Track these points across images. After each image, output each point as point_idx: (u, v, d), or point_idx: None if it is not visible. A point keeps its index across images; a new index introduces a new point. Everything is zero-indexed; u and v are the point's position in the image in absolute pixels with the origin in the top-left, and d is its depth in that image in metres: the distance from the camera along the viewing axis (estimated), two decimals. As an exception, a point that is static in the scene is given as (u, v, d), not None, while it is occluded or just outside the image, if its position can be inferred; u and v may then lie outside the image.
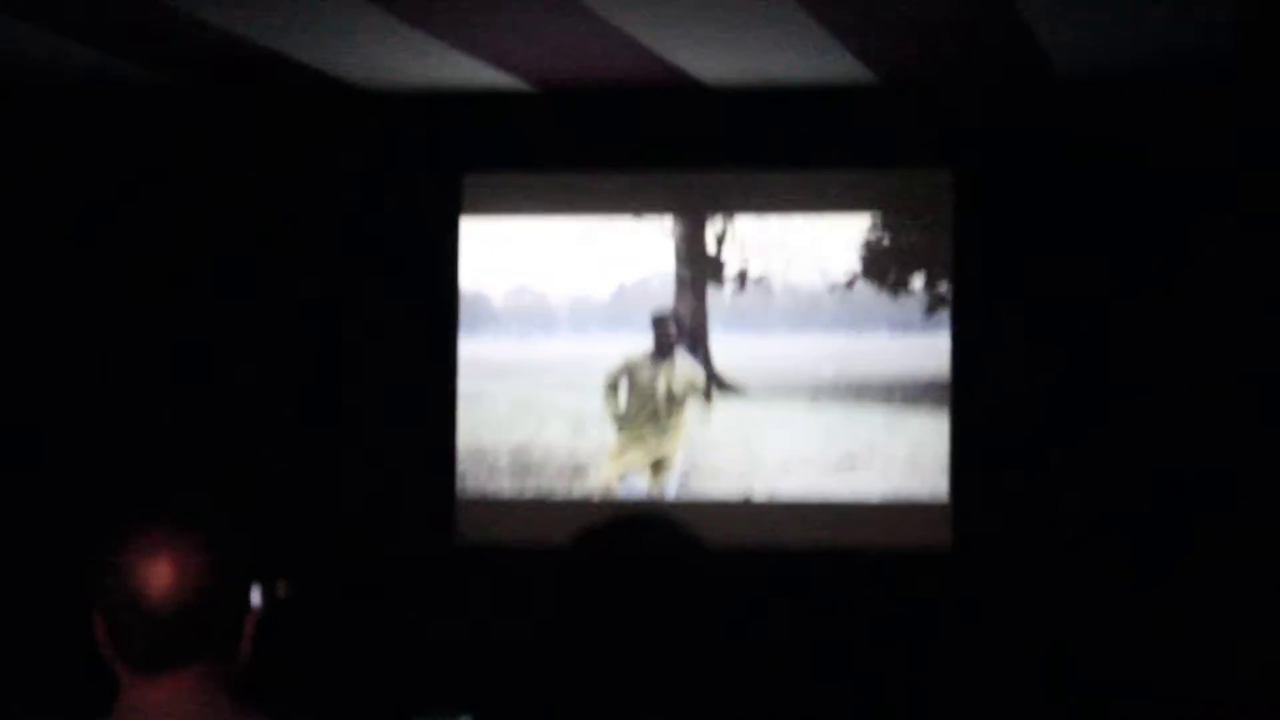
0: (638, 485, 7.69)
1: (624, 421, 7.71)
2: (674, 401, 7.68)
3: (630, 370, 7.72)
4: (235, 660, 2.57)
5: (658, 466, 7.69)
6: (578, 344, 7.80)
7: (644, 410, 7.70)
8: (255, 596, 2.60)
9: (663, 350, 7.69)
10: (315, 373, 7.67)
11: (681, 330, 7.71)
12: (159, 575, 2.51)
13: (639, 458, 7.70)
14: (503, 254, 7.81)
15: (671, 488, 7.65)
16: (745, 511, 7.58)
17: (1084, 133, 7.32)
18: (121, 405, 7.59)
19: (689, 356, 7.69)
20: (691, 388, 7.68)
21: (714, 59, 6.99)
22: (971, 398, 7.38)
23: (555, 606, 2.38)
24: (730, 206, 7.68)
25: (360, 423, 7.69)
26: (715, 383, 7.66)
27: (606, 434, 7.74)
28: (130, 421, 7.55)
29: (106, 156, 7.81)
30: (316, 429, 7.67)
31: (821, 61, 6.96)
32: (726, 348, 7.69)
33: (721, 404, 7.67)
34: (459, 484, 7.73)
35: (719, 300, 7.70)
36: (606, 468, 7.72)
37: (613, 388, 7.74)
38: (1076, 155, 7.32)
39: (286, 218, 7.72)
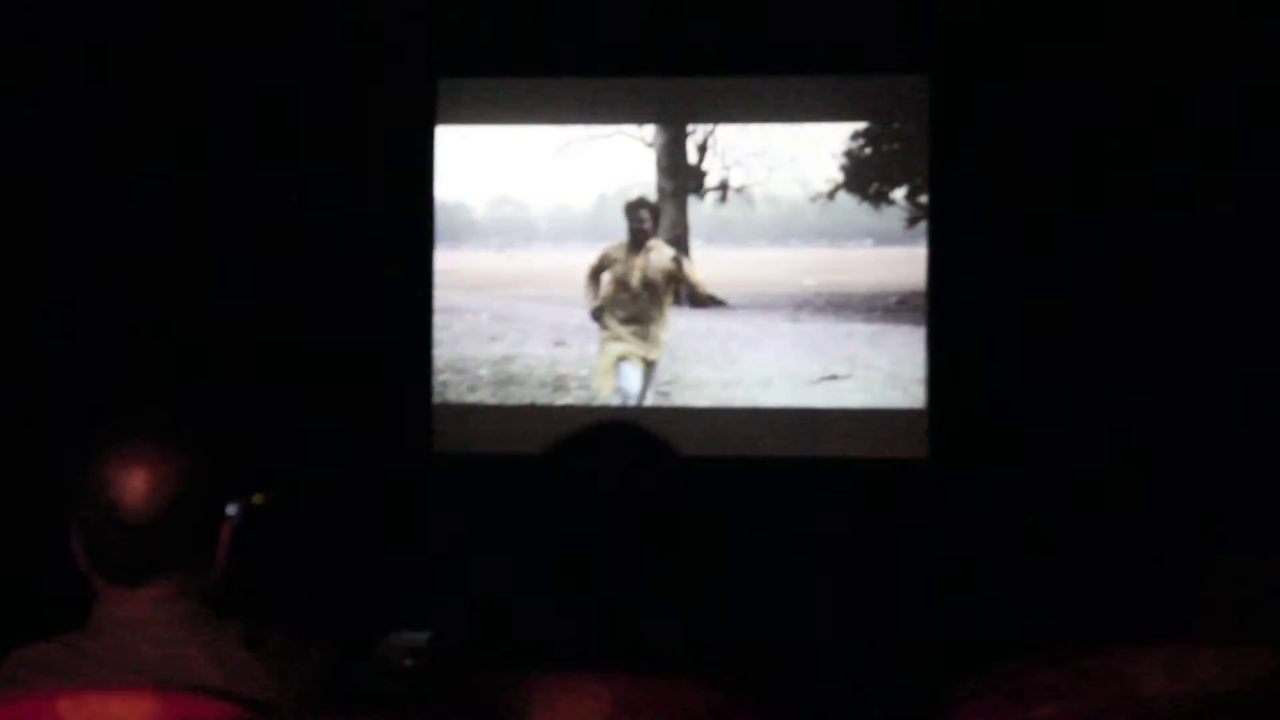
0: (625, 387, 7.69)
1: (603, 311, 7.70)
2: (654, 293, 7.67)
3: (608, 260, 7.70)
4: (211, 570, 2.58)
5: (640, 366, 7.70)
6: (558, 255, 7.79)
7: (623, 301, 7.69)
8: (231, 507, 2.60)
9: (638, 239, 7.67)
10: (289, 282, 7.62)
11: (656, 221, 7.68)
12: (135, 486, 2.52)
13: (621, 355, 7.71)
14: (481, 163, 7.77)
15: (649, 396, 7.66)
16: (723, 420, 7.59)
17: (1065, 38, 7.27)
18: (88, 314, 7.55)
19: (663, 246, 7.67)
20: (669, 277, 7.66)
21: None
22: (948, 308, 7.38)
23: (529, 514, 2.38)
24: (710, 114, 7.65)
25: (336, 331, 7.65)
26: (695, 293, 7.65)
27: (589, 347, 7.74)
28: (100, 331, 7.51)
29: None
30: (290, 338, 7.63)
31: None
32: (708, 260, 7.68)
33: (702, 317, 7.66)
34: (438, 396, 7.72)
35: (699, 211, 7.68)
36: (593, 376, 7.73)
37: (594, 277, 7.72)
38: (1058, 62, 7.27)
39: (255, 123, 7.63)
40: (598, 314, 7.73)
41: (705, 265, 7.66)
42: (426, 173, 7.69)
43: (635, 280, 7.69)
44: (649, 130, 7.66)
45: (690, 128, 7.67)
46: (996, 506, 7.19)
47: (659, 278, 7.66)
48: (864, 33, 7.40)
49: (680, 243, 7.66)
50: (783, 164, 7.63)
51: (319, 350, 7.63)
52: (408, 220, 7.70)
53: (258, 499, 2.56)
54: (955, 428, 7.35)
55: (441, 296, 7.75)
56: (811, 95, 7.58)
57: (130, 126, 7.52)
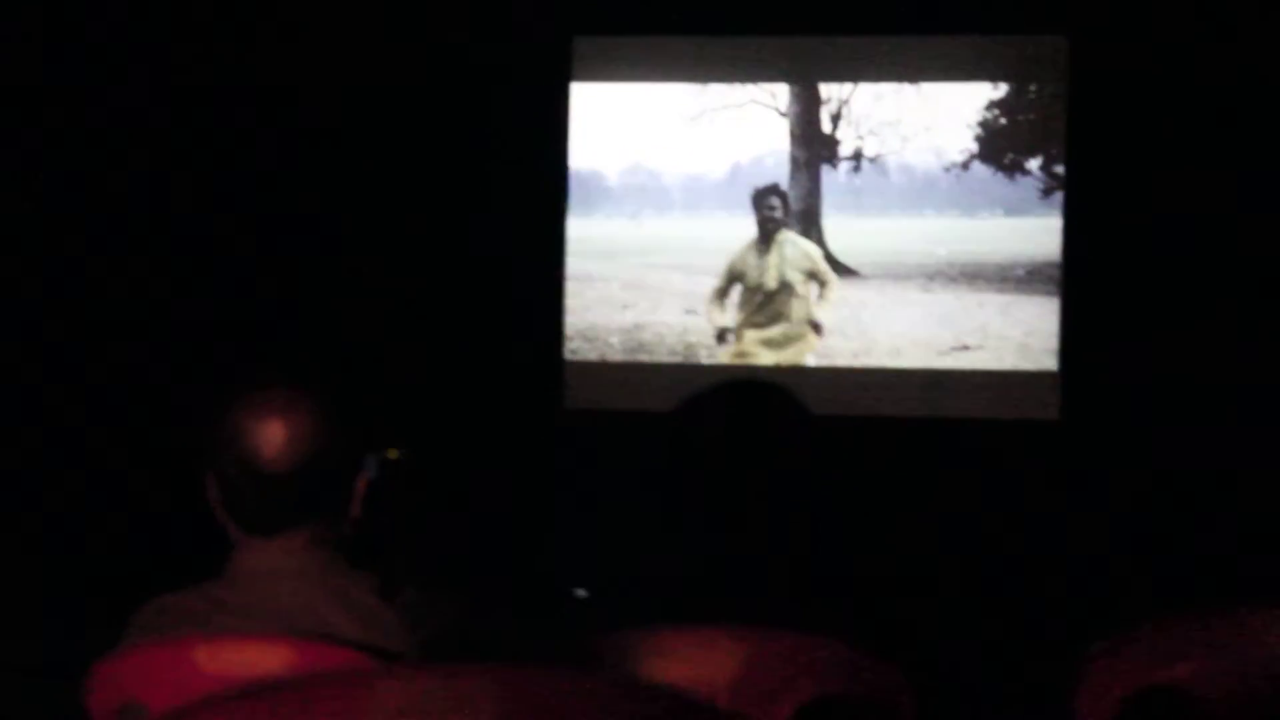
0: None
1: (740, 329, 7.68)
2: (788, 290, 7.64)
3: (736, 272, 7.67)
4: (346, 522, 2.60)
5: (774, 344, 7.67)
6: (691, 224, 7.78)
7: (761, 305, 7.66)
8: (367, 460, 2.62)
9: (768, 230, 7.64)
10: (425, 243, 7.67)
11: (788, 207, 7.66)
12: (273, 436, 2.54)
13: (758, 343, 7.69)
14: (615, 129, 7.78)
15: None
16: (852, 380, 7.53)
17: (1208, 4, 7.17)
18: (230, 277, 7.63)
19: (798, 239, 7.64)
20: (805, 273, 7.63)
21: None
22: (1083, 276, 7.30)
23: (666, 470, 2.39)
24: (846, 75, 7.59)
25: (471, 292, 7.68)
26: (830, 264, 7.62)
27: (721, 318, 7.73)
28: (240, 291, 7.59)
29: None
30: (426, 297, 7.67)
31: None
32: (840, 229, 7.65)
33: (836, 286, 7.62)
34: (568, 358, 7.74)
35: (833, 181, 7.65)
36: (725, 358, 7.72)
37: (720, 296, 7.69)
38: (1200, 27, 7.16)
39: (391, 85, 7.67)
40: (727, 334, 7.69)
41: (837, 235, 7.63)
42: (562, 134, 7.70)
43: (771, 281, 7.65)
44: (783, 99, 7.63)
45: (825, 95, 7.63)
46: (1127, 470, 7.13)
47: (797, 277, 7.62)
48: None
49: (813, 213, 7.62)
50: (917, 133, 7.57)
51: (452, 311, 7.68)
52: (542, 183, 7.72)
53: (393, 454, 2.58)
54: (1087, 394, 7.28)
55: (574, 264, 7.77)
56: (946, 55, 7.52)
57: (263, 91, 7.59)
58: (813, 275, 7.61)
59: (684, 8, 7.60)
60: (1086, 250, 7.31)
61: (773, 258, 7.63)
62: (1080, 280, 7.33)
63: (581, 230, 7.78)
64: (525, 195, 7.68)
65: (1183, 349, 7.15)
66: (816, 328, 7.57)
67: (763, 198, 7.68)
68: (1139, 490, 7.07)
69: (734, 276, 7.66)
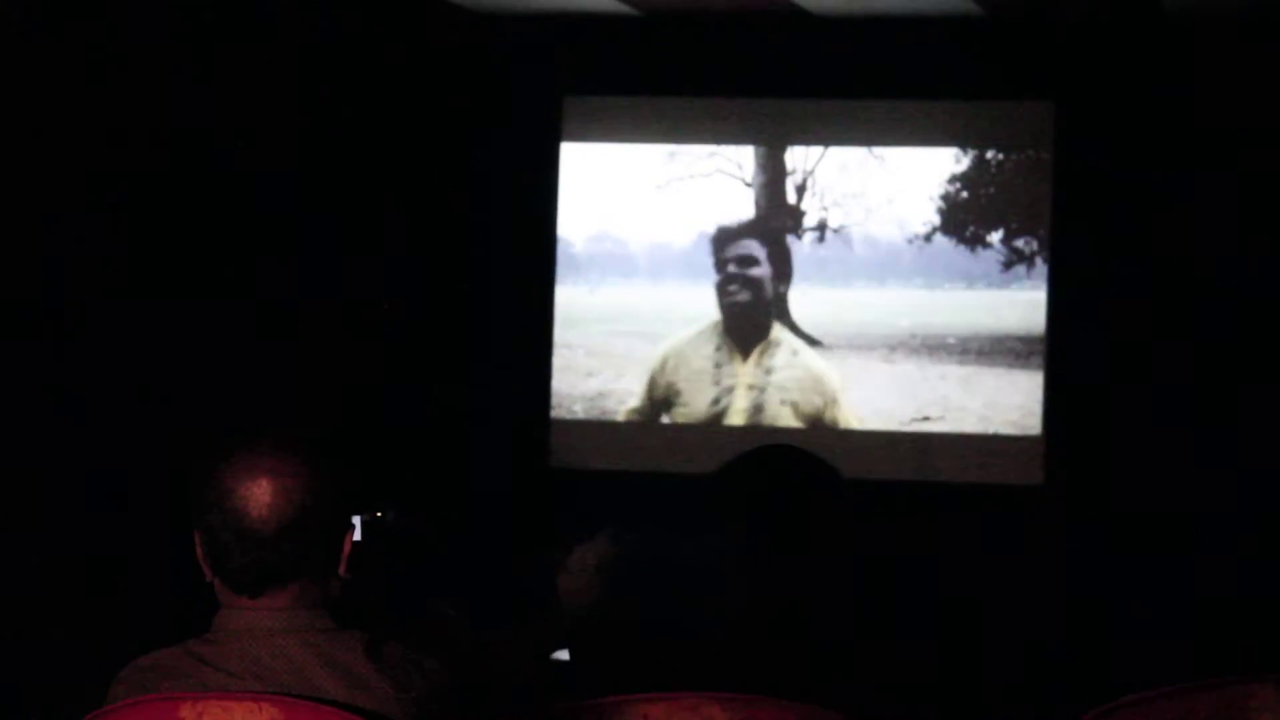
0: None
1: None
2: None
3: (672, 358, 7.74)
4: (333, 581, 2.60)
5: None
6: (657, 291, 7.80)
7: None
8: (354, 519, 2.62)
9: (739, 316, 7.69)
10: (412, 298, 7.67)
11: (760, 290, 7.69)
12: (260, 494, 2.53)
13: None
14: (581, 196, 7.80)
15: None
16: (828, 441, 7.51)
17: (1189, 71, 7.20)
18: (217, 329, 7.61)
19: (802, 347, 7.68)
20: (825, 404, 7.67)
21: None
22: (1067, 344, 7.33)
23: (716, 530, 2.40)
24: (826, 138, 7.64)
25: (456, 347, 7.66)
26: (796, 333, 7.64)
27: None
28: (227, 344, 7.57)
29: (196, 69, 7.74)
30: (413, 351, 7.66)
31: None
32: (804, 299, 7.68)
33: (802, 352, 7.64)
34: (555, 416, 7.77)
35: (798, 251, 7.68)
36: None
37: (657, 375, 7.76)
38: (1181, 94, 7.19)
39: (384, 138, 7.68)
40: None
41: (800, 305, 7.66)
42: (551, 188, 7.74)
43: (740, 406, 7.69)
44: (749, 169, 7.67)
45: (790, 165, 7.66)
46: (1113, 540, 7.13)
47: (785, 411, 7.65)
48: (985, 60, 7.37)
49: (780, 282, 7.65)
50: (881, 205, 7.62)
51: (436, 372, 7.66)
52: (530, 237, 7.74)
53: (380, 513, 2.58)
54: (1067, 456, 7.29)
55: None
56: (928, 119, 7.55)
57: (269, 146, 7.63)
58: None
59: (656, 70, 7.64)
60: (1068, 317, 7.33)
61: (749, 370, 7.70)
62: (1064, 348, 7.35)
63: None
64: (517, 245, 7.71)
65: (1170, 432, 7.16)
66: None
67: (738, 264, 7.76)
68: (1116, 559, 7.09)
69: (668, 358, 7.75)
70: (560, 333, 7.79)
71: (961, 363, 7.58)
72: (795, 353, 7.63)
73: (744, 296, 7.74)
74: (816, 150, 7.67)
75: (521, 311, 7.73)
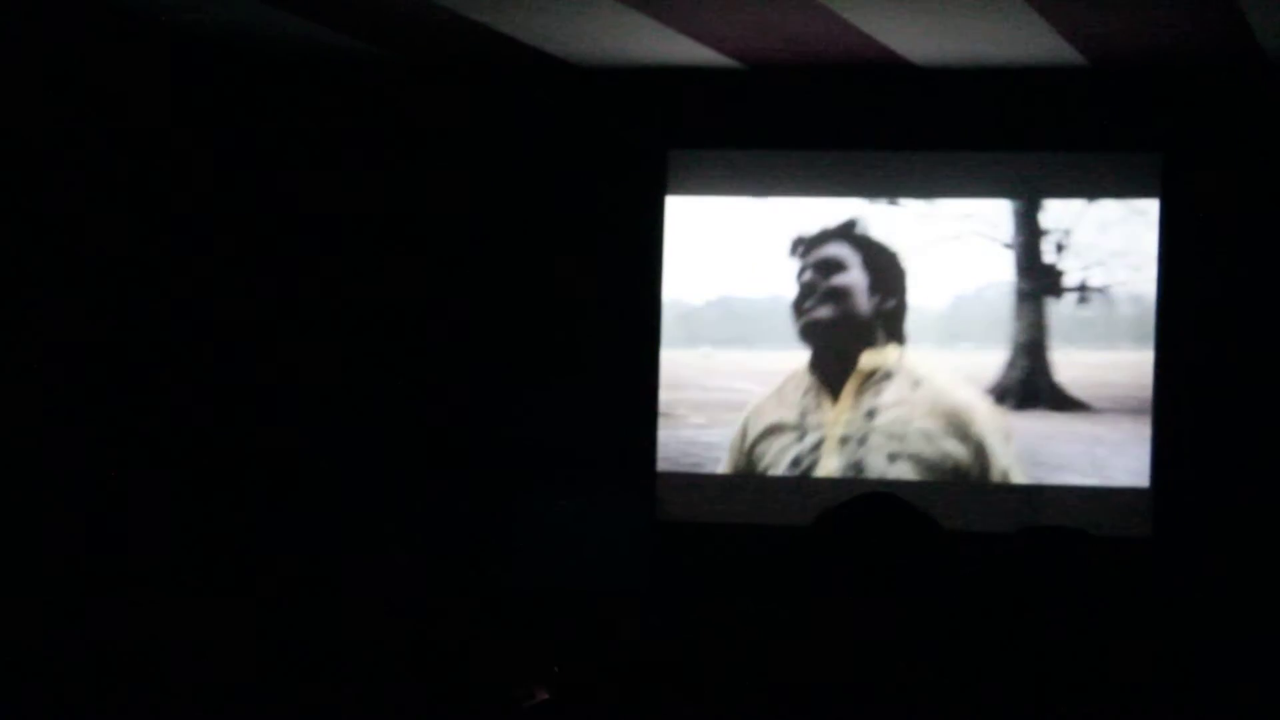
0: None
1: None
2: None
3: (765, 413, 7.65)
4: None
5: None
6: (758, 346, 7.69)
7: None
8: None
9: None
10: (520, 348, 7.74)
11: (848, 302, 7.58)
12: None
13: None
14: (703, 260, 7.74)
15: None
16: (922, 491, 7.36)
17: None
18: (315, 380, 7.74)
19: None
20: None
21: (923, 38, 6.93)
22: (1179, 396, 7.29)
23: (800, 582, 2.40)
24: (923, 191, 7.54)
25: (565, 397, 7.69)
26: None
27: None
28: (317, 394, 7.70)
29: (315, 127, 7.90)
30: (520, 395, 7.72)
31: (1030, 42, 6.88)
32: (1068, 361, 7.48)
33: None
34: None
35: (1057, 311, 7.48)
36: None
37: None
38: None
39: (494, 191, 7.77)
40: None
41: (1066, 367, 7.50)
42: (657, 240, 7.72)
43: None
44: (1006, 230, 7.52)
45: (896, 200, 7.52)
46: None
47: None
48: (1092, 110, 7.34)
49: (1039, 343, 7.48)
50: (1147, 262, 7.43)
51: (547, 408, 7.69)
52: (636, 290, 7.76)
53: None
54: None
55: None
56: (1032, 170, 7.47)
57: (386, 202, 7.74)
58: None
59: (777, 123, 7.62)
60: (1186, 367, 7.26)
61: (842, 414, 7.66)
62: (1177, 397, 7.28)
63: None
64: (623, 299, 7.75)
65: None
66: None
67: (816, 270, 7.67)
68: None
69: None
70: (665, 392, 7.69)
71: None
72: (917, 384, 7.56)
73: (824, 312, 7.63)
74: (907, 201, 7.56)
75: (629, 369, 7.71)
